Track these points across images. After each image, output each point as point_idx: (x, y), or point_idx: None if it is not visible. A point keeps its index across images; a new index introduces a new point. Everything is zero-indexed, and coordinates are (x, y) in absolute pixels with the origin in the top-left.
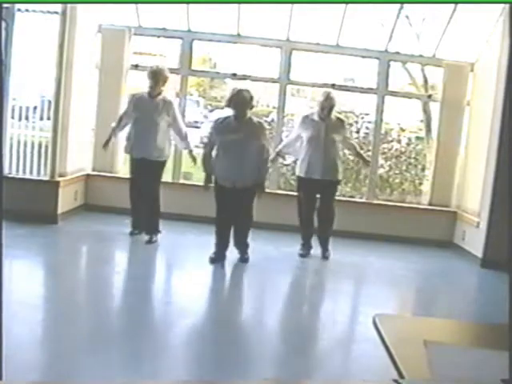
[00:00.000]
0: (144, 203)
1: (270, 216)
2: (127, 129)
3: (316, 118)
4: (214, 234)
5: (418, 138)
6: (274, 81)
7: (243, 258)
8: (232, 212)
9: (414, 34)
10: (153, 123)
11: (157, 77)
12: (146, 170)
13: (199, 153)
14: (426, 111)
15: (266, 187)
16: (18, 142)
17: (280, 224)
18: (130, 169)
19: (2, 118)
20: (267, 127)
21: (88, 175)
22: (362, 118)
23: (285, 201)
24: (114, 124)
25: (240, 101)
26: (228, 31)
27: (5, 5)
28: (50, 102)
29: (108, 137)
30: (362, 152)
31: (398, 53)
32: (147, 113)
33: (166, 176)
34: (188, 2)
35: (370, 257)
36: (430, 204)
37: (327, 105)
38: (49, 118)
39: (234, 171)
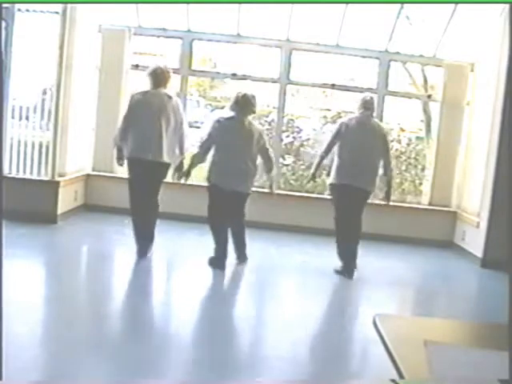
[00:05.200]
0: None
1: (270, 216)
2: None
3: None
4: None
5: (418, 138)
6: (273, 81)
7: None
8: (225, 214)
9: (414, 33)
10: None
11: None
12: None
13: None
14: (426, 111)
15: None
16: (18, 142)
17: (280, 224)
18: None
19: (2, 118)
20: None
21: (88, 175)
22: None
23: (283, 201)
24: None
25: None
26: (228, 31)
27: (5, 5)
28: (50, 102)
29: None
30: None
31: (398, 53)
32: None
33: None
34: (188, 2)
35: (369, 257)
36: (429, 204)
37: None
38: (49, 118)
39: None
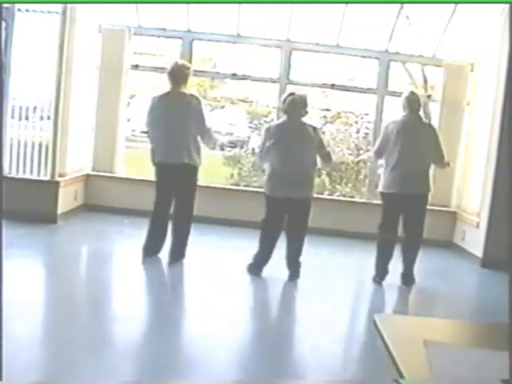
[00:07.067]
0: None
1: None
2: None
3: None
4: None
5: None
6: (273, 81)
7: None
8: (281, 226)
9: (414, 34)
10: None
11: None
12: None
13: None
14: (426, 111)
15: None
16: (18, 142)
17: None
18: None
19: (2, 118)
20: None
21: (88, 175)
22: (362, 118)
23: None
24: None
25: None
26: (228, 31)
27: (5, 5)
28: (50, 102)
29: None
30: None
31: (398, 53)
32: None
33: None
34: (188, 2)
35: (370, 257)
36: (429, 204)
37: None
38: (49, 118)
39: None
